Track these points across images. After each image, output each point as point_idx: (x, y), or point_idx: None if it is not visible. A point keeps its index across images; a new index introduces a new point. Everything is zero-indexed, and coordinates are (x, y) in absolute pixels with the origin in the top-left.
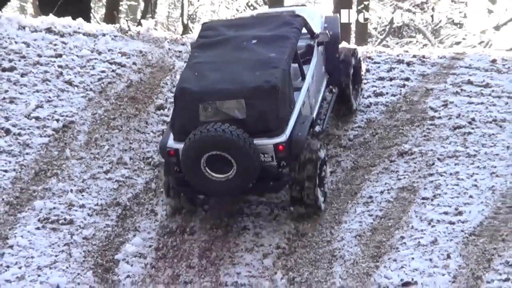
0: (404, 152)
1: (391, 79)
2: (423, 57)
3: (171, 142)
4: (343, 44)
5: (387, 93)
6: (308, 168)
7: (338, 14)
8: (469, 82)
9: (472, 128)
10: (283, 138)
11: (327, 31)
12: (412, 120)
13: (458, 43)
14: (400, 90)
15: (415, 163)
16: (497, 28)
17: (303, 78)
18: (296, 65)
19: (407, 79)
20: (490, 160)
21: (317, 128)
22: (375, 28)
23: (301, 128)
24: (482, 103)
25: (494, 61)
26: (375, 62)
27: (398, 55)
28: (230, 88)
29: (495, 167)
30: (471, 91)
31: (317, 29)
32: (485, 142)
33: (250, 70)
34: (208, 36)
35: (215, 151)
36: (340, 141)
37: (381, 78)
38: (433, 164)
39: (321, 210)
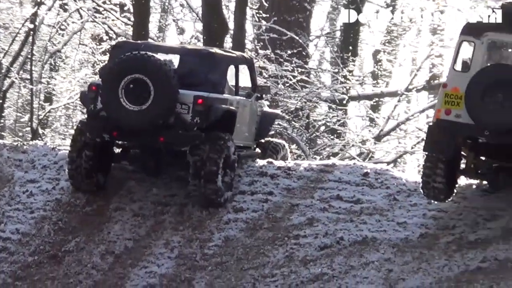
0: (265, 275)
1: (252, 193)
2: (289, 169)
3: (96, 81)
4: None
5: (247, 208)
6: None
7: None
8: (339, 198)
9: (340, 249)
10: (205, 94)
11: (269, 85)
12: (275, 239)
13: (335, 154)
14: (263, 205)
15: (276, 286)
16: (378, 138)
17: (237, 94)
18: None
19: (271, 193)
20: (359, 283)
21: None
22: None
23: (222, 105)
24: (351, 220)
25: (366, 174)
26: (236, 174)
27: (261, 167)
28: (168, 45)
29: None
30: (340, 207)
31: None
32: (354, 264)
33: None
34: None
35: (136, 73)
36: (194, 261)
37: (242, 192)
38: (296, 286)
39: (221, 191)
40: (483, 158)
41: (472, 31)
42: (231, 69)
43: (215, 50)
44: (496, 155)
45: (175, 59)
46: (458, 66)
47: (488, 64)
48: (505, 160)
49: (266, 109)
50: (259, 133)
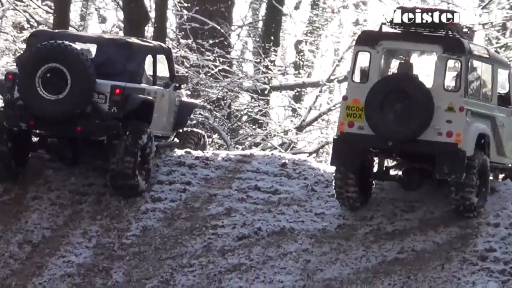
0: (183, 265)
1: (170, 183)
2: (207, 159)
3: (12, 69)
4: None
5: (165, 198)
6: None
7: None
8: (256, 188)
9: (258, 239)
10: (122, 84)
11: (187, 75)
12: (193, 229)
13: (257, 144)
14: (181, 195)
15: (194, 276)
16: (300, 128)
17: (154, 84)
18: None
19: (189, 183)
20: (277, 274)
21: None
22: None
23: (141, 95)
24: (269, 211)
25: (284, 165)
26: (154, 164)
27: (179, 157)
28: (85, 34)
29: (282, 281)
30: (258, 198)
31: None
32: (272, 254)
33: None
34: None
35: (53, 63)
36: (112, 251)
37: (160, 182)
38: (214, 276)
39: (138, 181)
40: (393, 161)
41: (367, 41)
42: (148, 59)
43: (133, 39)
44: (405, 157)
45: (93, 49)
46: (357, 77)
47: (388, 74)
48: (415, 161)
49: (185, 99)
50: (178, 123)
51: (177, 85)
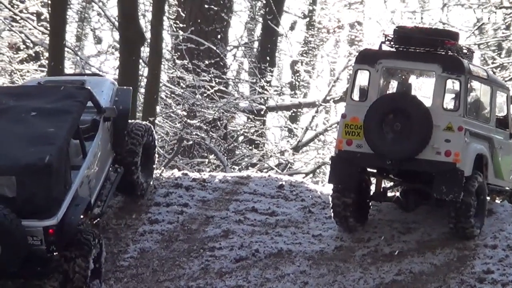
0: (181, 287)
1: (167, 205)
2: (204, 181)
3: None
4: (137, 121)
5: (163, 220)
6: (79, 262)
7: (131, 87)
8: (254, 210)
9: (255, 261)
10: (54, 221)
11: (114, 107)
12: (190, 251)
13: (254, 164)
14: (178, 217)
15: None
16: (296, 149)
17: (84, 156)
18: (77, 141)
19: (186, 205)
20: None
21: (96, 211)
22: (163, 147)
23: (75, 211)
24: (267, 233)
25: (281, 186)
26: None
27: (176, 179)
28: (1, 163)
29: None
30: (255, 220)
31: (106, 102)
32: (270, 276)
33: (25, 145)
34: None
35: None
36: (110, 273)
37: (157, 204)
38: None
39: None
40: (391, 182)
41: (366, 59)
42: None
43: (49, 161)
44: (403, 177)
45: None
46: (356, 96)
47: (387, 92)
48: (412, 181)
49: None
50: (115, 144)
51: (107, 116)
